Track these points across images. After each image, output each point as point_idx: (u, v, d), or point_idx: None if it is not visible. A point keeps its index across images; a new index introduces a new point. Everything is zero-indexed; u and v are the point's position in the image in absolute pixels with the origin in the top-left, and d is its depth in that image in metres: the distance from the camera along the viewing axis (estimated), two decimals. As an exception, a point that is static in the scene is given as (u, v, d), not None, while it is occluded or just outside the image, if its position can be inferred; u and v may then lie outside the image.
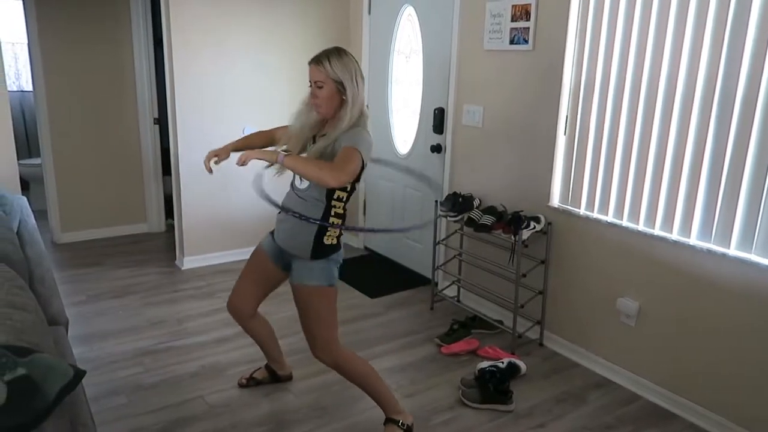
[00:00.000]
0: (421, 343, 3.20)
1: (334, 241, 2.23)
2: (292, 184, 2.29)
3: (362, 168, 2.14)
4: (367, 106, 4.38)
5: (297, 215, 2.18)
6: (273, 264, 2.38)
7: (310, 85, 2.20)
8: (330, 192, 2.19)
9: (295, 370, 2.87)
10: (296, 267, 2.24)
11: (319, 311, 2.25)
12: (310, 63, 2.19)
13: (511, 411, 2.60)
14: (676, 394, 2.63)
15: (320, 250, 2.20)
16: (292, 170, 2.09)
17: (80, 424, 1.45)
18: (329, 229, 2.20)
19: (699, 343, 2.53)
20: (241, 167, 2.09)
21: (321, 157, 2.14)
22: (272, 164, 2.09)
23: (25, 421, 1.05)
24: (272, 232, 2.39)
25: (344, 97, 2.15)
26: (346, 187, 2.21)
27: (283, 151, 2.18)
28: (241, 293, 2.48)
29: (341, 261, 2.29)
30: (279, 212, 2.32)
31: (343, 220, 2.25)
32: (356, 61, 2.21)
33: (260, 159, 2.06)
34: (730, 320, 2.41)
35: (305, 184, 2.21)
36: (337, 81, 2.14)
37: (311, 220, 2.17)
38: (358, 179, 2.19)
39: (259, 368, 2.77)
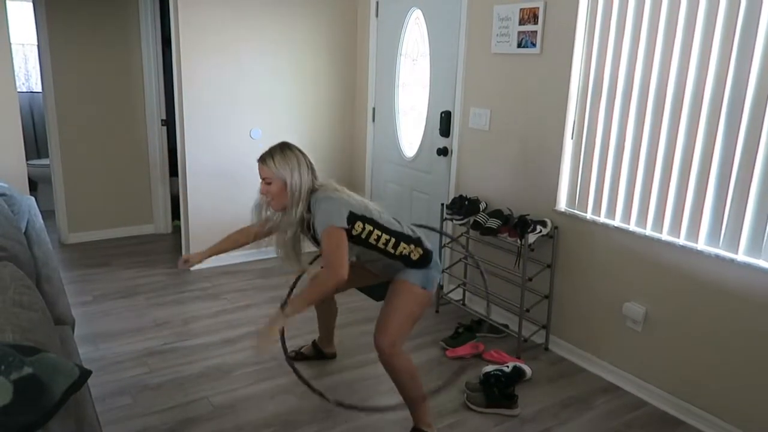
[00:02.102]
0: (426, 346, 3.20)
1: (421, 252, 2.35)
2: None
3: (352, 224, 2.22)
4: (374, 108, 4.40)
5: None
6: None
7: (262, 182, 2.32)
8: (373, 246, 2.29)
9: (301, 371, 2.87)
10: (399, 273, 2.38)
11: (402, 307, 2.33)
12: (257, 161, 2.31)
13: (516, 415, 2.59)
14: (683, 400, 2.61)
15: (416, 264, 2.35)
16: (304, 310, 2.21)
17: (86, 424, 1.45)
18: (407, 251, 2.32)
19: (706, 349, 2.51)
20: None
21: (297, 234, 2.33)
22: (287, 320, 2.17)
23: (32, 419, 1.05)
24: None
25: (287, 191, 2.26)
26: (363, 237, 2.26)
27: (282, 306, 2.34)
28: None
29: (440, 269, 2.45)
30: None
31: (404, 239, 2.33)
32: (300, 153, 2.31)
33: (275, 326, 2.17)
34: (738, 326, 2.39)
35: (372, 255, 2.34)
36: (281, 178, 2.25)
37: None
38: (351, 237, 2.24)
39: (307, 345, 3.01)
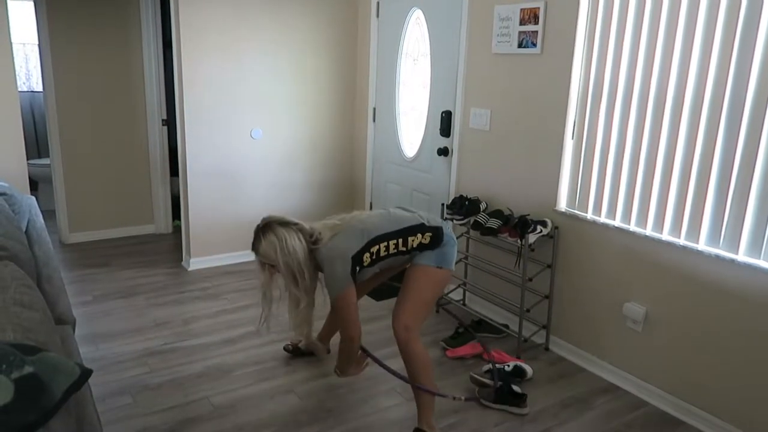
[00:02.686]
0: (427, 346, 3.18)
1: (431, 234, 2.37)
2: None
3: (359, 263, 2.28)
4: (374, 108, 4.41)
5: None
6: None
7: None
8: (386, 256, 2.35)
9: (301, 371, 2.88)
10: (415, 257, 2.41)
11: (416, 291, 2.36)
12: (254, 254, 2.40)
13: (525, 414, 2.59)
14: (683, 400, 2.61)
15: (428, 247, 2.37)
16: (352, 365, 2.52)
17: (86, 423, 1.45)
18: (417, 242, 2.36)
19: (706, 349, 2.51)
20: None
21: (308, 282, 2.34)
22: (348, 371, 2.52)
23: (32, 418, 1.05)
24: None
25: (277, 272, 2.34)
26: (375, 259, 2.33)
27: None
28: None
29: (455, 243, 2.43)
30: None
31: (409, 234, 2.37)
32: (280, 226, 2.31)
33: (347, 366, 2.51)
34: (738, 326, 2.39)
35: (388, 262, 2.41)
36: (271, 261, 2.31)
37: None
38: (364, 265, 2.32)
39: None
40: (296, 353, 3.02)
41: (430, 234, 2.37)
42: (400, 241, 2.33)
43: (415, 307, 2.36)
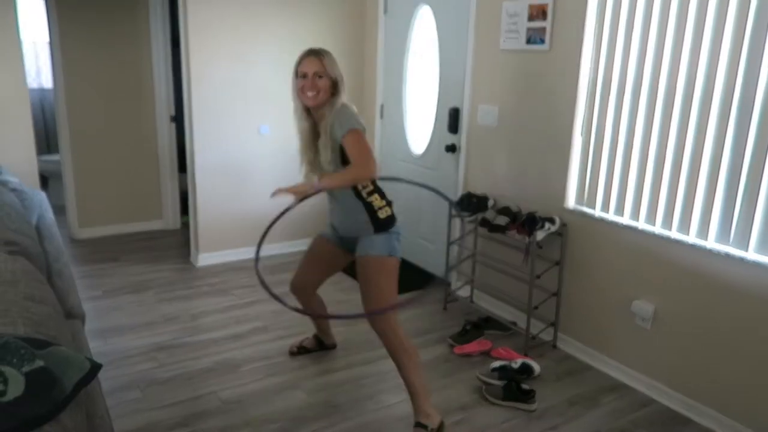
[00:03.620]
0: (434, 343, 3.20)
1: (389, 213, 2.41)
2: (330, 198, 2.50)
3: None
4: (382, 105, 4.40)
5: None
6: (335, 246, 2.61)
7: (305, 77, 2.32)
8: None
9: (308, 368, 2.89)
10: (360, 243, 2.41)
11: (379, 281, 2.38)
12: (308, 55, 2.34)
13: (533, 410, 2.59)
14: (691, 398, 2.60)
15: (380, 225, 2.38)
16: (331, 189, 2.37)
17: (96, 417, 1.47)
18: (377, 201, 2.38)
19: (715, 348, 2.49)
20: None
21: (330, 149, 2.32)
22: (315, 193, 2.33)
23: (43, 412, 1.06)
24: (332, 225, 2.61)
25: (335, 92, 2.34)
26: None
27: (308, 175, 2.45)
28: (301, 274, 2.74)
29: (400, 233, 2.45)
30: (331, 208, 2.55)
31: (379, 192, 2.42)
32: None
33: (300, 193, 2.36)
34: (748, 324, 2.37)
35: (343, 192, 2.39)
36: (332, 78, 2.33)
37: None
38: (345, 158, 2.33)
39: (308, 338, 3.03)
40: (303, 352, 3.01)
41: (389, 213, 2.39)
42: (377, 187, 2.40)
43: (381, 298, 2.38)
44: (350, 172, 2.26)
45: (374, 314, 2.37)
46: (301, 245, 4.14)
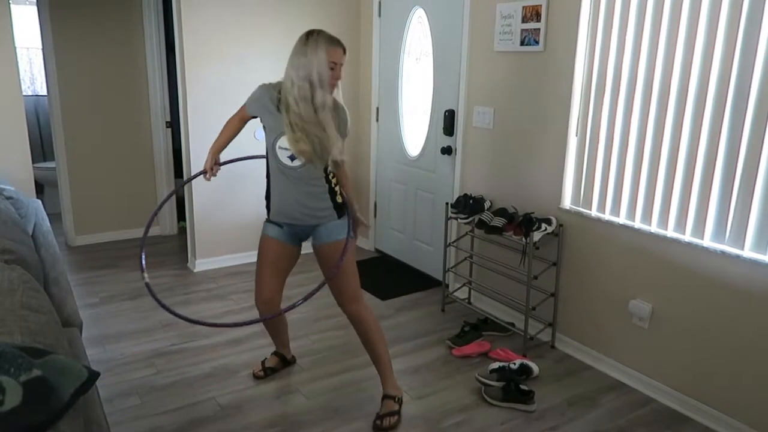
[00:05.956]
0: (433, 345, 3.20)
1: (341, 196, 2.45)
2: (285, 172, 2.39)
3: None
4: (377, 108, 4.41)
5: None
6: (288, 245, 2.54)
7: (333, 67, 2.29)
8: (325, 169, 2.38)
9: (307, 371, 2.89)
10: (322, 230, 2.42)
11: (350, 263, 2.44)
12: (338, 46, 2.30)
13: (532, 411, 2.59)
14: (689, 397, 2.61)
15: (340, 208, 2.43)
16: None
17: (94, 425, 1.46)
18: (336, 188, 2.42)
19: (713, 346, 2.50)
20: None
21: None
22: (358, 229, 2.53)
23: (41, 421, 1.06)
24: (271, 222, 2.54)
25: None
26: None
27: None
28: (268, 285, 2.58)
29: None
30: (283, 196, 2.45)
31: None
32: None
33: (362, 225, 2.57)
34: (745, 322, 2.38)
35: (297, 162, 2.35)
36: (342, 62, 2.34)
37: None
38: None
39: (267, 358, 2.89)
40: (270, 373, 2.83)
41: (342, 199, 2.43)
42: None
43: (349, 278, 2.45)
44: (349, 183, 2.49)
45: (330, 277, 2.39)
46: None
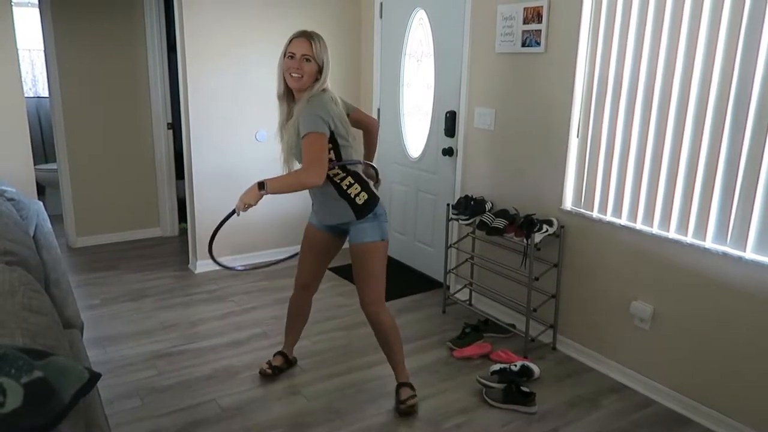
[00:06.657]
0: (433, 346, 3.20)
1: (366, 196, 2.43)
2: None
3: (333, 130, 2.31)
4: (378, 109, 4.41)
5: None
6: (326, 233, 2.61)
7: (292, 57, 2.30)
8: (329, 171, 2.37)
9: (309, 373, 2.89)
10: (352, 231, 2.47)
11: (373, 267, 2.47)
12: (300, 36, 2.32)
13: (533, 413, 2.58)
14: (691, 399, 2.60)
15: (361, 210, 2.41)
16: (276, 193, 2.31)
17: (95, 426, 1.46)
18: (351, 188, 2.40)
19: (714, 347, 2.50)
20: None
21: (295, 138, 2.33)
22: (260, 198, 2.28)
23: (42, 422, 1.06)
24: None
25: (319, 78, 2.33)
26: (330, 158, 2.36)
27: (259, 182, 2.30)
28: (306, 270, 2.71)
29: (386, 212, 2.51)
30: (312, 196, 2.55)
31: (354, 177, 2.43)
32: None
33: (250, 202, 2.28)
34: (747, 324, 2.37)
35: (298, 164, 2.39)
36: (319, 63, 2.32)
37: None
38: (335, 141, 2.34)
39: (272, 358, 2.89)
40: (276, 372, 2.84)
41: (366, 197, 2.41)
42: (351, 173, 2.41)
43: (374, 282, 2.48)
44: (295, 176, 2.31)
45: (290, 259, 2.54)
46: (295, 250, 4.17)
